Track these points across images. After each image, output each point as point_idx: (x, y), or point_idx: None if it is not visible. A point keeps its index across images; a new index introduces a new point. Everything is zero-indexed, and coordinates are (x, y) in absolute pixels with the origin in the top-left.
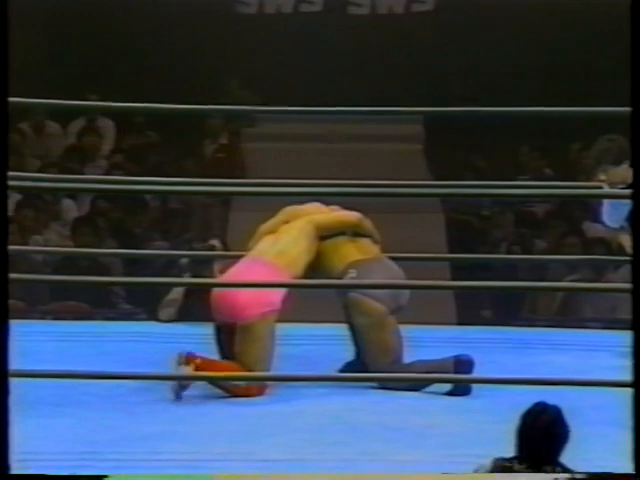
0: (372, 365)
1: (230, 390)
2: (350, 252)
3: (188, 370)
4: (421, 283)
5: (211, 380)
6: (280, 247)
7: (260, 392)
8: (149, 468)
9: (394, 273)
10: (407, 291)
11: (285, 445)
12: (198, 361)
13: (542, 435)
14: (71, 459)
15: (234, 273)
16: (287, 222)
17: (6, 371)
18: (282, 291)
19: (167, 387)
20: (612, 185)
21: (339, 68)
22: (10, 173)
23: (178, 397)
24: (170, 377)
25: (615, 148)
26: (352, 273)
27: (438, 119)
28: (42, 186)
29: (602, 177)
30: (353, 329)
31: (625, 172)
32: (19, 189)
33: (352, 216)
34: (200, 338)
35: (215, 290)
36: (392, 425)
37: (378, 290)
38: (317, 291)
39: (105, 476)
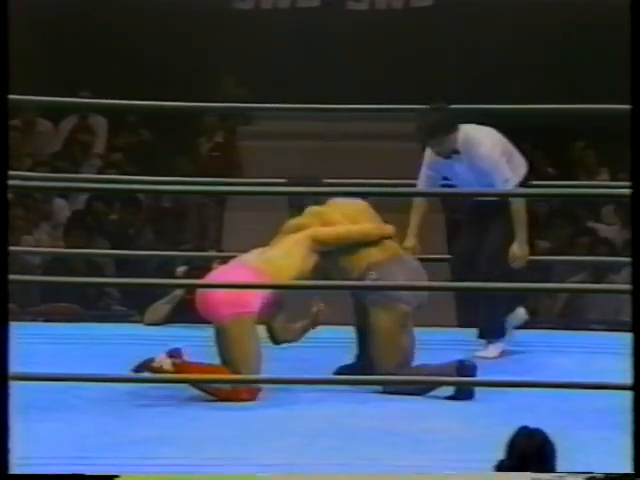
0: (380, 367)
1: (214, 393)
2: (369, 252)
3: (166, 363)
4: (422, 284)
5: (200, 382)
6: (268, 255)
7: (251, 396)
8: (143, 472)
9: (415, 271)
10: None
11: (281, 450)
12: (178, 361)
13: (537, 453)
14: (62, 463)
15: (216, 274)
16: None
17: (6, 373)
18: (261, 294)
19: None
20: (441, 154)
21: (337, 65)
22: None
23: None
24: (163, 380)
25: (444, 118)
26: (373, 275)
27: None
28: (34, 185)
29: (433, 148)
30: (363, 330)
31: (453, 138)
32: (11, 188)
33: (359, 232)
34: (195, 340)
35: (199, 291)
36: (392, 430)
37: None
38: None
39: (116, 476)
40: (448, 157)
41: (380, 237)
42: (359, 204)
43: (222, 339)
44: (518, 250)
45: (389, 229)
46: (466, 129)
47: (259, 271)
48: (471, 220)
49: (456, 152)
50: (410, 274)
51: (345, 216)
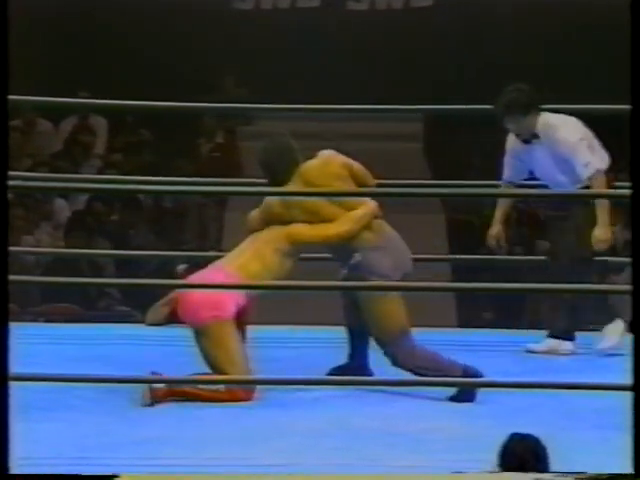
0: (381, 340)
1: (210, 397)
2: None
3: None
4: (422, 285)
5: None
6: (241, 261)
7: (247, 396)
8: (143, 472)
9: (399, 248)
10: (409, 259)
11: (282, 450)
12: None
13: (533, 456)
14: (62, 463)
15: (195, 277)
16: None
17: (6, 373)
18: (237, 299)
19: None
20: (519, 136)
21: (337, 65)
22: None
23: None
24: (163, 381)
25: (523, 97)
26: (357, 257)
27: (438, 117)
28: (34, 185)
29: (510, 127)
30: (354, 329)
31: (532, 121)
32: (11, 189)
33: (345, 231)
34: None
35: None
36: (392, 430)
37: (382, 265)
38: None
39: (116, 476)
40: (528, 142)
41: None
42: (332, 165)
43: (203, 341)
44: (602, 234)
45: (374, 208)
46: (547, 115)
47: (233, 277)
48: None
49: (536, 137)
50: (395, 252)
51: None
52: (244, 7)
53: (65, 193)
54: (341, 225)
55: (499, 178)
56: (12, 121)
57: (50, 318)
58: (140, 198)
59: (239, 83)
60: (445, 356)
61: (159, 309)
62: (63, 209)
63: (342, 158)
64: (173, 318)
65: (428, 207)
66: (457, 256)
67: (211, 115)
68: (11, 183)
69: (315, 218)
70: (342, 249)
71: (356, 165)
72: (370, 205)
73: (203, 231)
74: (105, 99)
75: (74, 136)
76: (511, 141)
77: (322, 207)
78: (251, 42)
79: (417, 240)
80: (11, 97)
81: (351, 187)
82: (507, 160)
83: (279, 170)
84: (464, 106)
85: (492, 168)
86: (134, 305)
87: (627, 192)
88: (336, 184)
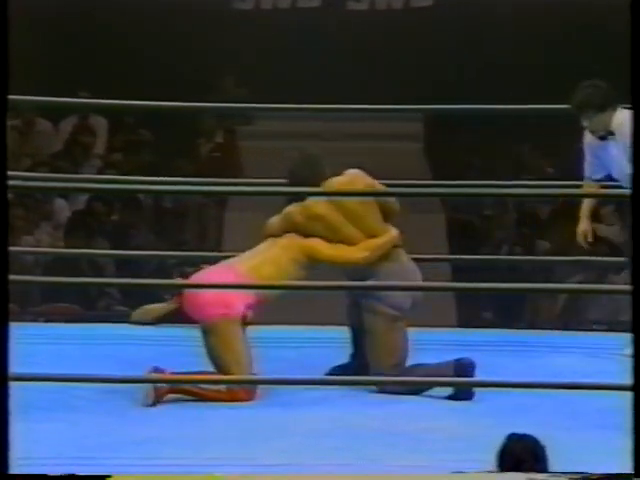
0: (375, 366)
1: (211, 397)
2: None
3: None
4: (421, 285)
5: (199, 383)
6: (255, 263)
7: (249, 396)
8: (143, 472)
9: (411, 273)
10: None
11: (283, 449)
12: (168, 373)
13: (532, 456)
14: (63, 464)
15: (202, 275)
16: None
17: (6, 373)
18: (246, 299)
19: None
20: (594, 132)
21: (337, 65)
22: None
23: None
24: (163, 380)
25: (599, 94)
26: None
27: (438, 117)
28: (34, 185)
29: (585, 124)
30: (357, 329)
31: (608, 117)
32: (11, 188)
33: (364, 258)
34: (194, 340)
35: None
36: (392, 430)
37: (394, 295)
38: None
39: (108, 476)
40: (603, 138)
41: (384, 250)
42: (357, 184)
43: (210, 340)
44: None
45: (395, 237)
46: (623, 111)
47: (244, 277)
48: None
49: (611, 134)
50: (406, 276)
51: (334, 208)
52: (244, 7)
53: (65, 193)
54: (360, 251)
55: (500, 178)
56: (12, 121)
57: (50, 318)
58: (140, 198)
59: (239, 83)
60: (432, 360)
61: (150, 309)
62: (63, 209)
63: (368, 180)
64: (171, 317)
65: (428, 207)
66: (457, 256)
67: (211, 115)
68: (11, 183)
69: (334, 237)
70: (357, 275)
71: (380, 188)
72: (391, 234)
73: (203, 231)
74: (105, 99)
75: (74, 136)
76: (588, 138)
77: (343, 226)
78: (251, 42)
79: (417, 240)
80: (11, 97)
81: (374, 210)
82: (586, 157)
83: (305, 183)
84: (464, 106)
85: (492, 168)
86: (134, 305)
87: (627, 192)
88: (359, 205)
